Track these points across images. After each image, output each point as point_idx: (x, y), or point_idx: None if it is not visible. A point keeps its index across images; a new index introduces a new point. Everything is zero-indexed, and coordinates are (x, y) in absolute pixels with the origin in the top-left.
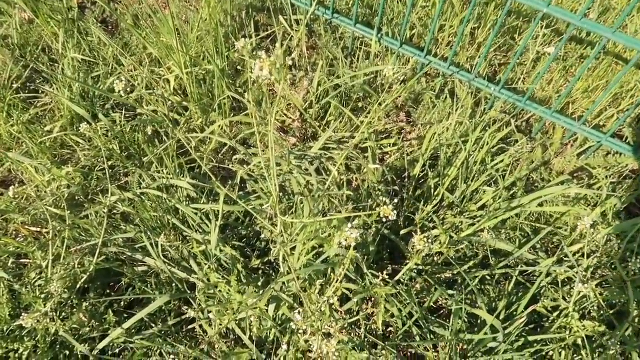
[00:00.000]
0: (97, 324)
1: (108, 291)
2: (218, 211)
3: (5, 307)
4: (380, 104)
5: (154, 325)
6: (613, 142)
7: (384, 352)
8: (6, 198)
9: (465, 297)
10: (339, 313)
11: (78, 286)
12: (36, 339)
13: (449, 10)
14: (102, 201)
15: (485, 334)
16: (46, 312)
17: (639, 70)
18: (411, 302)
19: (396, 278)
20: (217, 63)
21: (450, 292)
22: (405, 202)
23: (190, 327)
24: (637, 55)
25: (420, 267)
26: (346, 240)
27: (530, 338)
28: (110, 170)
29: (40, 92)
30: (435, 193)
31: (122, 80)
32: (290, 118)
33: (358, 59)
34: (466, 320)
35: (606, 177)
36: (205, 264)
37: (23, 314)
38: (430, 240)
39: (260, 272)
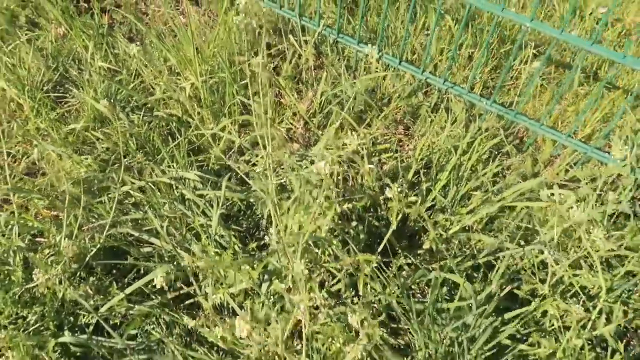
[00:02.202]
0: (101, 297)
1: (114, 271)
2: (220, 197)
3: (18, 271)
4: (380, 112)
5: (153, 297)
6: (598, 153)
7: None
8: (30, 183)
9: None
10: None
11: (87, 259)
12: (44, 305)
13: (447, 36)
14: (116, 187)
15: (461, 309)
16: (57, 272)
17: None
18: (395, 281)
19: (380, 248)
20: (229, 72)
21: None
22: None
23: (187, 302)
24: (609, 74)
25: (409, 261)
26: (318, 170)
27: (506, 315)
28: (126, 162)
29: (68, 95)
30: (428, 197)
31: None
32: (295, 126)
33: (360, 74)
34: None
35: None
36: (206, 241)
37: (35, 272)
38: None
39: (256, 255)
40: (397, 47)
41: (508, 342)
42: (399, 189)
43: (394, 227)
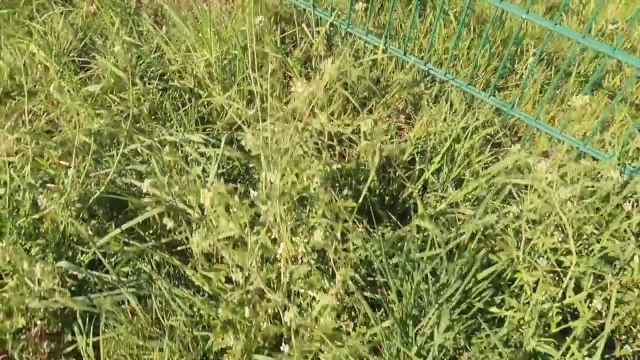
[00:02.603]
0: (100, 238)
1: (114, 219)
2: (220, 156)
3: (27, 205)
4: (383, 96)
5: (148, 240)
6: (591, 149)
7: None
8: (46, 136)
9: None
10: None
11: (90, 201)
12: (46, 239)
13: (453, 36)
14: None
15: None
16: (60, 202)
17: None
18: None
19: (361, 198)
20: (241, 47)
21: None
22: (392, 182)
23: (179, 248)
24: (597, 74)
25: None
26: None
27: (480, 275)
28: (137, 125)
29: (92, 63)
30: (421, 178)
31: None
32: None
33: (365, 62)
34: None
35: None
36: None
37: (40, 199)
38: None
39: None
40: (403, 41)
41: (480, 304)
42: (373, 125)
43: (373, 171)
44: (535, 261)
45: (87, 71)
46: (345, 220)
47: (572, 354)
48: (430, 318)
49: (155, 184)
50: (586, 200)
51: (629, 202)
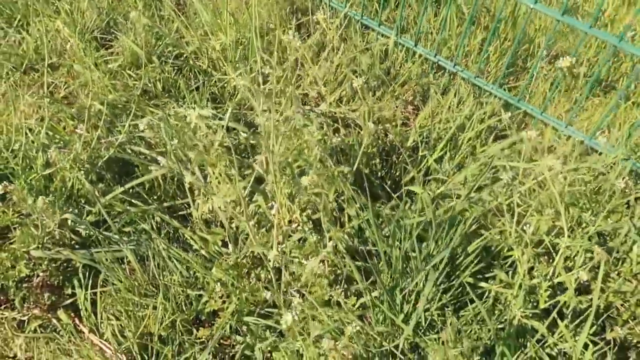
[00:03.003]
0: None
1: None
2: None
3: (38, 163)
4: (390, 86)
5: (150, 202)
6: (595, 142)
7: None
8: (64, 103)
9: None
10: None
11: (99, 163)
12: (54, 195)
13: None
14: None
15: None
16: (70, 159)
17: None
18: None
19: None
20: (256, 32)
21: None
22: (394, 167)
23: (181, 213)
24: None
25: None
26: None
27: (470, 248)
28: (151, 102)
29: (114, 42)
30: (423, 164)
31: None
32: (310, 91)
33: (376, 52)
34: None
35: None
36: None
37: (50, 152)
38: None
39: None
40: (415, 34)
41: (470, 279)
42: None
43: (367, 140)
44: (523, 230)
45: (109, 49)
46: (341, 193)
47: (561, 332)
48: (417, 283)
49: (151, 124)
50: (579, 175)
51: (622, 179)
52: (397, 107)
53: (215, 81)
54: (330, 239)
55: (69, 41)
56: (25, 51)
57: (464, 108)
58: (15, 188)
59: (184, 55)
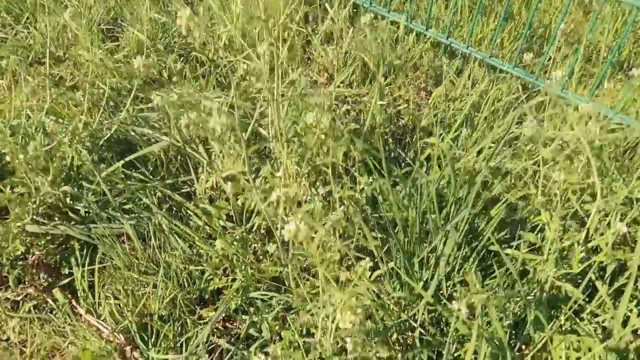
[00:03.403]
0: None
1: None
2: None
3: (38, 141)
4: (401, 70)
5: (152, 178)
6: (619, 116)
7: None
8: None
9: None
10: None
11: (100, 142)
12: (54, 174)
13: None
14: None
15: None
16: (69, 132)
17: None
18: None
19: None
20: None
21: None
22: (408, 147)
23: (184, 190)
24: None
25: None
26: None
27: (492, 212)
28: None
29: (120, 36)
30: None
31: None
32: (319, 77)
33: (386, 39)
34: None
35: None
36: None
37: (47, 124)
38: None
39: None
40: (426, 20)
41: (494, 247)
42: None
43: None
44: (550, 190)
45: (115, 41)
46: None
47: (600, 298)
48: (435, 247)
49: (163, 98)
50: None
51: None
52: (407, 92)
53: (221, 67)
54: (340, 203)
55: (76, 33)
56: (31, 45)
57: (478, 88)
58: (15, 161)
59: (191, 45)
